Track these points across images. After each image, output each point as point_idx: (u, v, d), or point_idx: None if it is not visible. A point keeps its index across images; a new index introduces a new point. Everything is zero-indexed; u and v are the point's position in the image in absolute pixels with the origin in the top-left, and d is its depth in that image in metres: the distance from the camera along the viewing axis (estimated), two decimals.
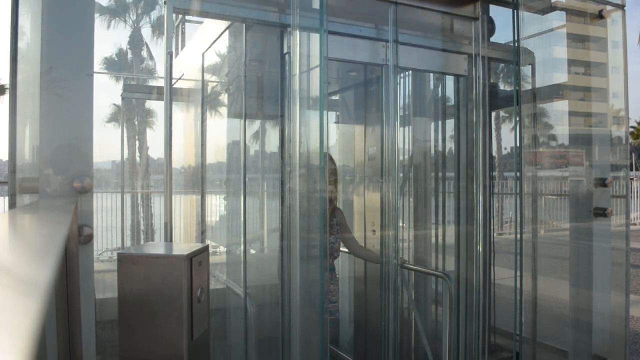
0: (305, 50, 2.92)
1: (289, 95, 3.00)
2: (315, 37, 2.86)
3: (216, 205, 4.17)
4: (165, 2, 2.76)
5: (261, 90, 3.60)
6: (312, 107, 2.88)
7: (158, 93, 5.26)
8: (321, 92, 2.74)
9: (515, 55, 3.41)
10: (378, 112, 3.76)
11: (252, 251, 3.99)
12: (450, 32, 3.71)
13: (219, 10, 3.01)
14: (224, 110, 3.85)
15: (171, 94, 2.71)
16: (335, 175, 3.58)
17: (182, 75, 4.27)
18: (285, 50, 3.07)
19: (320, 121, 2.72)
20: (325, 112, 2.75)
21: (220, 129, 3.82)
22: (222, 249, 4.34)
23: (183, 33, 5.43)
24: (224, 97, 3.76)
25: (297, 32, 2.91)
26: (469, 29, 3.69)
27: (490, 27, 3.94)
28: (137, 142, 22.68)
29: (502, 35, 3.88)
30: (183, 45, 5.36)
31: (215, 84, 3.95)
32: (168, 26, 2.80)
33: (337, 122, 5.21)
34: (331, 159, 3.57)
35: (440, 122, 4.15)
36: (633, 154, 29.82)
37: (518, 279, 3.42)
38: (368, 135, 4.33)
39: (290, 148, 2.99)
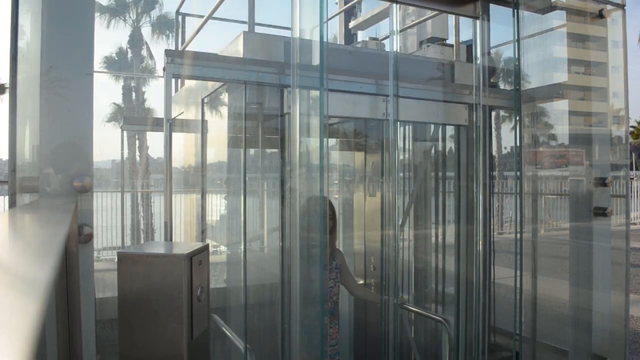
0: (305, 109, 2.93)
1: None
2: (315, 96, 2.86)
3: (216, 204, 4.17)
4: (164, 69, 2.77)
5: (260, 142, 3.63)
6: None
7: (158, 124, 5.28)
8: (321, 87, 2.74)
9: (515, 55, 3.41)
10: (379, 142, 3.78)
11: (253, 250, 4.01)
12: (451, 81, 3.70)
13: (219, 75, 3.05)
14: (224, 110, 3.84)
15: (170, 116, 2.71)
16: (334, 219, 3.56)
17: (182, 113, 4.29)
18: (285, 110, 3.09)
19: (320, 118, 2.72)
20: (325, 109, 2.75)
21: (221, 127, 3.82)
22: (223, 248, 4.34)
23: (184, 32, 5.44)
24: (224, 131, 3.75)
25: (297, 90, 2.92)
26: (470, 75, 3.70)
27: (492, 70, 4.01)
28: (137, 142, 22.68)
29: (502, 34, 3.88)
30: (183, 40, 5.36)
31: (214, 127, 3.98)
32: (167, 93, 2.82)
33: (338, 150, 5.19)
34: (331, 204, 3.55)
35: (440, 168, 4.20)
36: (633, 154, 29.81)
37: (518, 278, 3.42)
38: (368, 167, 4.38)
39: (290, 147, 2.99)
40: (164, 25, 24.64)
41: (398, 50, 3.56)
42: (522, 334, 3.47)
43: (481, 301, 3.76)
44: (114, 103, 23.69)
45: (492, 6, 3.86)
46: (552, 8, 3.69)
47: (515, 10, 3.43)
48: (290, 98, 2.99)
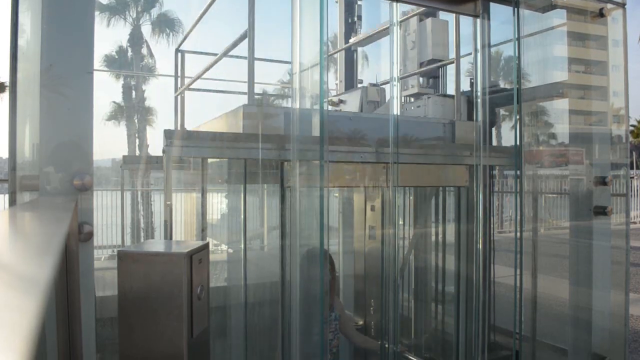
0: (305, 181, 2.93)
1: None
2: (315, 168, 2.86)
3: (217, 203, 4.18)
4: (163, 152, 2.77)
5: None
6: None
7: (157, 162, 5.29)
8: (321, 87, 2.74)
9: (515, 54, 3.40)
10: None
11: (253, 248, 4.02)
12: (452, 141, 3.72)
13: (218, 154, 3.07)
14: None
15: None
16: (333, 272, 3.56)
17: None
18: (286, 184, 3.09)
19: (320, 118, 2.72)
20: (325, 110, 2.75)
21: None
22: (223, 247, 4.35)
23: (183, 69, 5.41)
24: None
25: (297, 163, 2.92)
26: (470, 133, 3.70)
27: (492, 135, 4.03)
28: (137, 140, 22.68)
29: (502, 33, 3.88)
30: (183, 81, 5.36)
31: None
32: (167, 176, 2.82)
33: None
34: (330, 258, 3.56)
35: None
36: (633, 153, 29.80)
37: (518, 277, 3.42)
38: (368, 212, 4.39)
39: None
40: (164, 24, 24.64)
41: (398, 74, 3.58)
42: (522, 332, 3.47)
43: (481, 300, 3.76)
44: (114, 102, 23.69)
45: (493, 5, 3.86)
46: (553, 7, 3.68)
47: (516, 9, 3.43)
48: (290, 171, 2.99)
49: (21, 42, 2.20)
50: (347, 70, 6.16)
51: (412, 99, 4.67)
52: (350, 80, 6.12)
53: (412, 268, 4.32)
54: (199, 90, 5.75)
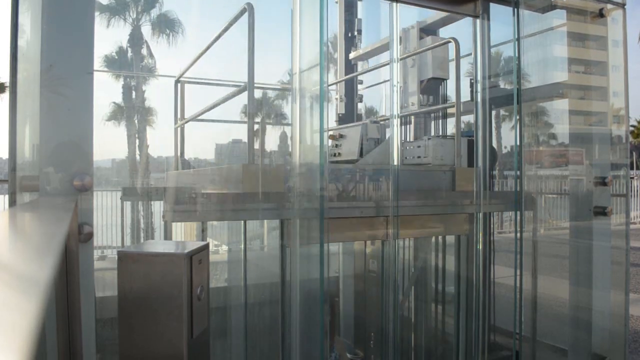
0: (305, 234, 2.92)
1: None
2: (315, 224, 2.86)
3: None
4: (163, 216, 2.79)
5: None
6: None
7: (157, 193, 5.31)
8: (321, 87, 2.74)
9: (515, 54, 3.40)
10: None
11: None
12: (452, 190, 3.71)
13: (218, 216, 3.10)
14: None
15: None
16: (334, 311, 3.55)
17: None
18: (286, 244, 3.09)
19: (320, 119, 2.72)
20: (325, 110, 2.75)
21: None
22: (225, 247, 4.35)
23: (183, 100, 5.39)
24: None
25: (298, 221, 2.93)
26: (470, 180, 3.72)
27: (492, 182, 4.06)
28: (137, 141, 22.67)
29: (502, 33, 3.88)
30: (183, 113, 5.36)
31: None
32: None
33: None
34: (332, 299, 3.55)
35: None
36: (633, 153, 29.80)
37: (518, 277, 3.42)
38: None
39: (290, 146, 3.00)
40: (164, 24, 24.64)
41: (398, 91, 3.58)
42: (522, 333, 3.47)
43: (481, 300, 3.76)
44: (114, 102, 23.69)
45: (492, 5, 3.86)
46: (553, 7, 3.69)
47: (516, 9, 3.43)
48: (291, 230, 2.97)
49: (21, 42, 2.20)
50: (347, 72, 6.16)
51: (413, 118, 4.68)
52: (350, 82, 6.12)
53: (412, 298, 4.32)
54: (200, 120, 5.71)
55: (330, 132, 4.83)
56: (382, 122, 4.60)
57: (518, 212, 3.54)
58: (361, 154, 4.56)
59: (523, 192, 3.53)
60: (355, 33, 6.03)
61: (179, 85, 5.26)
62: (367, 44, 6.11)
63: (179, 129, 5.16)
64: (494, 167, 4.02)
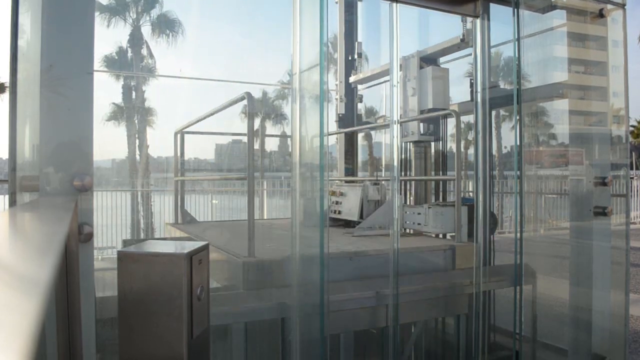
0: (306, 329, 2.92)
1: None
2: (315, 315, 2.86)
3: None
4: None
5: None
6: None
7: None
8: (321, 87, 2.74)
9: (515, 54, 3.40)
10: None
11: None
12: (452, 269, 3.73)
13: (220, 321, 3.01)
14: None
15: None
16: None
17: None
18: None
19: (320, 119, 2.72)
20: (325, 110, 2.75)
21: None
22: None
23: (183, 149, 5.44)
24: None
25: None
26: (470, 255, 3.71)
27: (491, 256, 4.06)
28: (137, 141, 22.67)
29: (502, 34, 3.88)
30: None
31: None
32: None
33: None
34: None
35: None
36: (633, 153, 29.80)
37: (518, 277, 3.42)
38: None
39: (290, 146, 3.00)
40: (164, 25, 24.64)
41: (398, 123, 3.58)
42: (522, 333, 3.48)
43: (481, 300, 3.76)
44: (114, 103, 23.69)
45: (493, 5, 3.86)
46: (553, 7, 3.69)
47: (516, 10, 3.43)
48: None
49: (21, 42, 2.20)
50: (346, 72, 6.17)
51: (413, 145, 4.70)
52: (350, 83, 6.13)
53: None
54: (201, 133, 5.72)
55: (331, 188, 4.90)
56: (382, 183, 4.66)
57: (518, 212, 3.54)
58: (361, 216, 4.61)
59: (523, 193, 3.53)
60: (356, 56, 6.06)
61: (178, 136, 5.30)
62: (368, 45, 6.12)
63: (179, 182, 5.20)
64: (494, 231, 4.03)
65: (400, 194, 4.47)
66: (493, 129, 4.28)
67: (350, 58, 6.08)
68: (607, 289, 3.61)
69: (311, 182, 2.91)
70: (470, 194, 3.98)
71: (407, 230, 4.41)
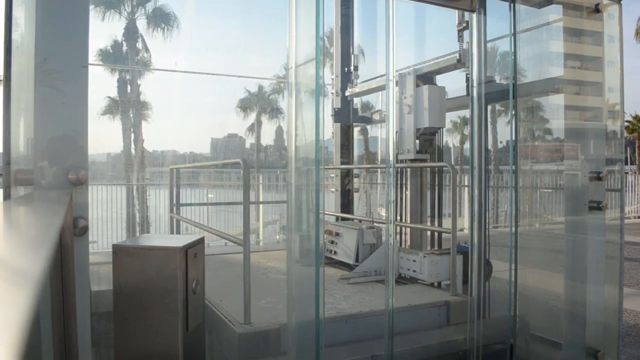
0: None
1: None
2: None
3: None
4: None
5: None
6: None
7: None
8: (317, 81, 2.74)
9: (511, 49, 3.41)
10: None
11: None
12: (447, 324, 3.74)
13: None
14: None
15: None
16: None
17: None
18: None
19: (316, 113, 2.72)
20: (321, 105, 2.75)
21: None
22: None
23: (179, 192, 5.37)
24: None
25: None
26: (465, 309, 3.72)
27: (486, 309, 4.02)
28: (132, 134, 22.62)
29: (498, 28, 3.88)
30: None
31: None
32: None
33: None
34: None
35: None
36: (628, 148, 29.91)
37: (513, 271, 3.43)
38: None
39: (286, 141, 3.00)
40: (159, 18, 24.54)
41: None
42: (517, 326, 3.49)
43: (475, 294, 3.78)
44: (109, 96, 23.61)
45: (489, 0, 3.86)
46: (549, 2, 3.69)
47: (512, 4, 3.43)
48: None
49: (15, 35, 2.18)
50: (342, 66, 6.16)
51: (409, 161, 4.68)
52: (346, 77, 6.12)
53: None
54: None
55: (327, 227, 4.90)
56: (377, 226, 4.66)
57: (513, 207, 3.55)
58: (357, 259, 4.62)
59: (519, 188, 3.54)
60: (352, 69, 6.07)
61: (174, 171, 5.26)
62: (363, 40, 6.12)
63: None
64: (489, 278, 4.04)
65: (396, 237, 4.45)
66: (489, 123, 4.29)
67: (346, 70, 6.08)
68: (601, 283, 3.63)
69: (307, 177, 2.91)
70: (466, 243, 4.01)
71: (403, 273, 4.43)
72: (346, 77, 6.10)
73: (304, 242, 2.92)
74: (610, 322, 3.61)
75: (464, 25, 4.08)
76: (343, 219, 5.80)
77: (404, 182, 4.84)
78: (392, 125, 3.64)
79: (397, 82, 4.37)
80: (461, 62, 4.15)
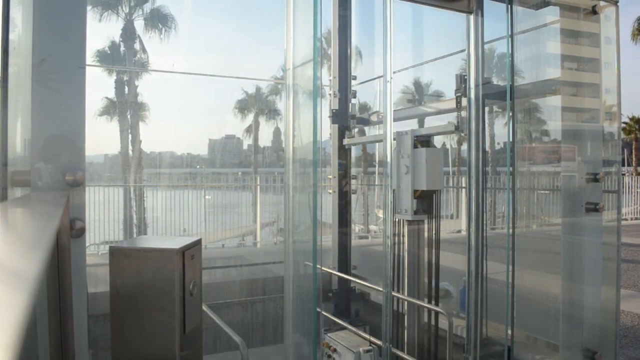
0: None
1: None
2: None
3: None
4: None
5: None
6: None
7: None
8: (314, 82, 2.73)
9: (509, 50, 3.41)
10: None
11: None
12: None
13: None
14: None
15: None
16: None
17: None
18: None
19: (313, 114, 2.72)
20: (319, 106, 2.75)
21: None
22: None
23: None
24: None
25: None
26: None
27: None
28: (129, 136, 22.58)
29: (496, 30, 3.88)
30: None
31: None
32: None
33: None
34: None
35: None
36: (625, 150, 29.97)
37: (510, 273, 3.43)
38: None
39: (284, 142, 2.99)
40: (157, 19, 24.52)
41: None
42: (514, 328, 3.49)
43: (473, 295, 3.78)
44: (107, 97, 23.57)
45: (486, 1, 3.86)
46: (546, 4, 3.69)
47: (509, 6, 3.43)
48: None
49: (12, 36, 2.18)
50: (340, 67, 6.14)
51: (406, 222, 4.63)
52: (344, 78, 6.11)
53: None
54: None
55: (325, 341, 4.82)
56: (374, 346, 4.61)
57: (511, 208, 3.55)
58: None
59: (516, 189, 3.54)
60: (349, 118, 6.09)
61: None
62: (361, 39, 6.12)
63: None
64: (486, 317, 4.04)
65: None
66: (486, 125, 4.29)
67: (345, 83, 6.06)
68: (598, 285, 3.63)
69: (303, 178, 2.91)
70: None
71: None
72: (345, 78, 6.08)
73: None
74: (607, 323, 3.62)
75: (462, 91, 4.05)
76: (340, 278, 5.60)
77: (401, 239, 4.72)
78: (389, 127, 3.65)
79: (394, 139, 4.34)
80: (459, 129, 4.15)
